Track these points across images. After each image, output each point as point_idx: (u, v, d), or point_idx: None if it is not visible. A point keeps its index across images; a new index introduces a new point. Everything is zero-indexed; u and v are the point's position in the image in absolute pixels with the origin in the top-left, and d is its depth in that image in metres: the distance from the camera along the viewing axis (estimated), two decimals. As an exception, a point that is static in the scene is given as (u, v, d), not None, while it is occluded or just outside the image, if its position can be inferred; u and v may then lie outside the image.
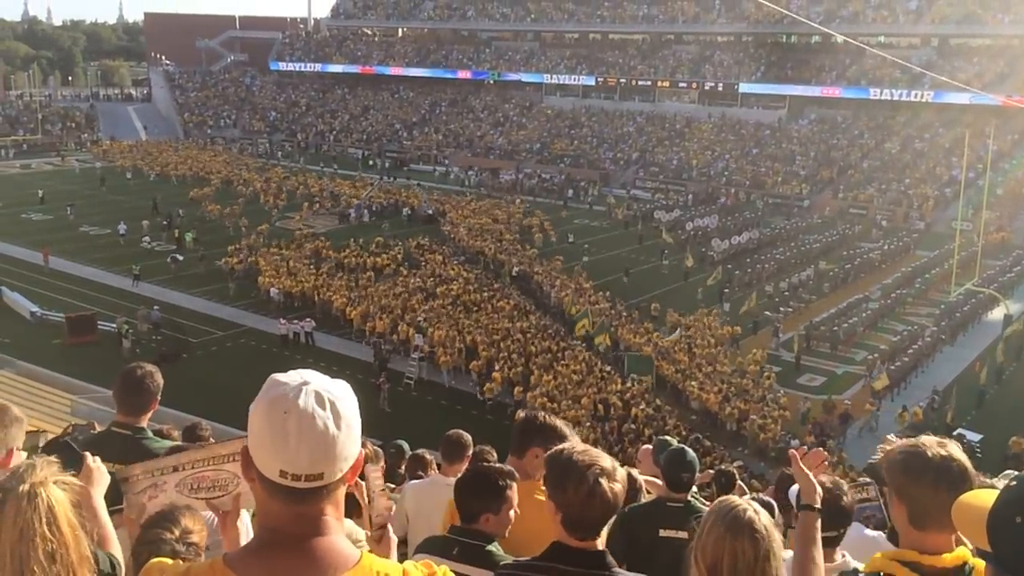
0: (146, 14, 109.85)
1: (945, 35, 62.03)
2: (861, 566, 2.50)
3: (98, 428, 3.89)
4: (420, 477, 5.88)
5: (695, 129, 65.65)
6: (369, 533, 2.25)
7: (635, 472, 4.60)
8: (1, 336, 29.20)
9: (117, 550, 2.37)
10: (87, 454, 2.46)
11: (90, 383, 23.95)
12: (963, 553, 2.17)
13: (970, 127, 48.75)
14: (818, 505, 2.66)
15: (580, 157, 64.28)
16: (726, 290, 34.96)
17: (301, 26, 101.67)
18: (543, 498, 2.67)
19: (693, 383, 25.46)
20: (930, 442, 2.23)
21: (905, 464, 2.20)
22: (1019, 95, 49.69)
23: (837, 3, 65.33)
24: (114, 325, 29.53)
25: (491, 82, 79.49)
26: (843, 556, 3.31)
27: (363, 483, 2.17)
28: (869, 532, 3.82)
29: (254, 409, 1.58)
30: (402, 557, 2.35)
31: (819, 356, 29.43)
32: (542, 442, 3.32)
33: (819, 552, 2.60)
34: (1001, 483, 1.84)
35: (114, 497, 2.44)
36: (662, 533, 3.86)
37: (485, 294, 32.91)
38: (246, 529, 2.44)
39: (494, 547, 2.87)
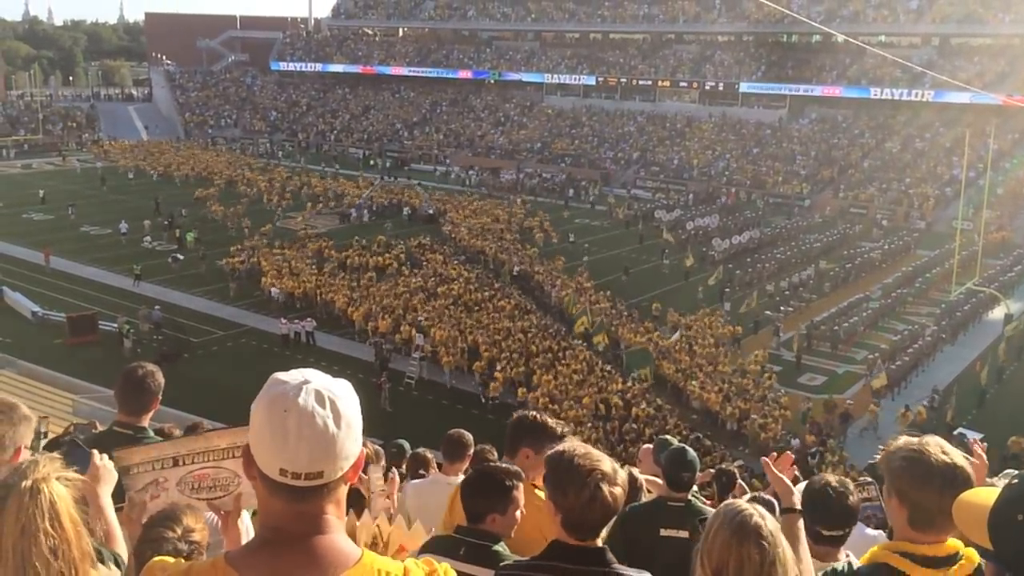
0: (147, 14, 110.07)
1: (946, 34, 62.01)
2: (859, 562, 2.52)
3: (99, 428, 3.90)
4: (421, 476, 5.88)
5: (696, 129, 65.65)
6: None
7: (636, 471, 4.61)
8: (2, 336, 29.25)
9: (123, 548, 2.38)
10: (94, 452, 2.47)
11: (91, 383, 23.98)
12: (955, 543, 2.20)
13: (971, 126, 48.72)
14: (798, 507, 2.78)
15: (581, 157, 64.29)
16: (727, 290, 34.97)
17: (302, 26, 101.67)
18: (538, 499, 2.68)
19: (694, 383, 25.46)
20: (933, 447, 2.23)
21: (910, 469, 2.21)
22: (1020, 94, 49.63)
23: (838, 2, 65.31)
24: (115, 325, 29.56)
25: (492, 82, 79.50)
26: (847, 556, 3.31)
27: (366, 477, 2.18)
28: (870, 531, 3.83)
29: (255, 407, 1.58)
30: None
31: (820, 355, 29.41)
32: (532, 442, 3.33)
33: (805, 550, 2.63)
34: (1000, 483, 1.84)
35: (120, 495, 2.45)
36: (663, 532, 3.86)
37: (486, 294, 32.92)
38: (247, 529, 2.44)
39: (500, 547, 2.87)
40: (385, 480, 4.44)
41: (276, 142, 75.33)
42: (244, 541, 1.96)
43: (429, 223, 46.47)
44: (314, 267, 36.43)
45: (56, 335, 29.71)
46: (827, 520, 3.17)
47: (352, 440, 1.59)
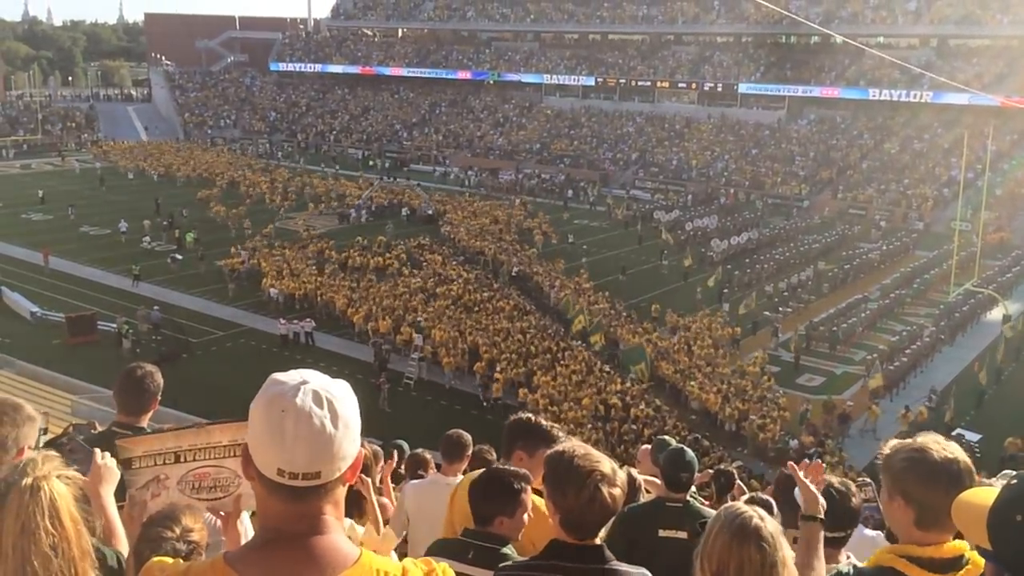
0: (146, 14, 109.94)
1: (944, 36, 62.05)
2: (862, 565, 2.51)
3: (98, 428, 3.89)
4: (420, 477, 5.88)
5: (695, 129, 65.68)
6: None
7: (634, 472, 4.60)
8: (1, 336, 29.24)
9: (124, 546, 2.38)
10: (96, 451, 2.47)
11: (90, 383, 24.01)
12: (960, 545, 2.20)
13: (969, 128, 48.79)
14: (821, 515, 2.66)
15: (580, 157, 64.30)
16: (725, 290, 34.98)
17: (301, 26, 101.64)
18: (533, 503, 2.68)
19: (693, 383, 25.47)
20: (933, 444, 2.22)
21: (914, 469, 2.20)
22: (1018, 95, 49.65)
23: (836, 4, 65.35)
24: (114, 325, 29.55)
25: (491, 82, 79.49)
26: (848, 557, 3.31)
27: (368, 480, 2.18)
28: (868, 532, 3.83)
29: (253, 407, 1.59)
30: (401, 556, 2.36)
31: (818, 356, 29.43)
32: (524, 444, 3.30)
33: (821, 562, 2.60)
34: (999, 483, 1.84)
35: (121, 493, 2.45)
36: (661, 533, 3.86)
37: (485, 294, 32.92)
38: (246, 530, 2.44)
39: (509, 550, 2.85)
40: (379, 479, 4.43)
41: (275, 143, 75.30)
42: (244, 542, 1.95)
43: (428, 224, 46.48)
44: (314, 268, 36.43)
45: (55, 335, 29.70)
46: (830, 521, 3.17)
47: (350, 441, 1.59)
